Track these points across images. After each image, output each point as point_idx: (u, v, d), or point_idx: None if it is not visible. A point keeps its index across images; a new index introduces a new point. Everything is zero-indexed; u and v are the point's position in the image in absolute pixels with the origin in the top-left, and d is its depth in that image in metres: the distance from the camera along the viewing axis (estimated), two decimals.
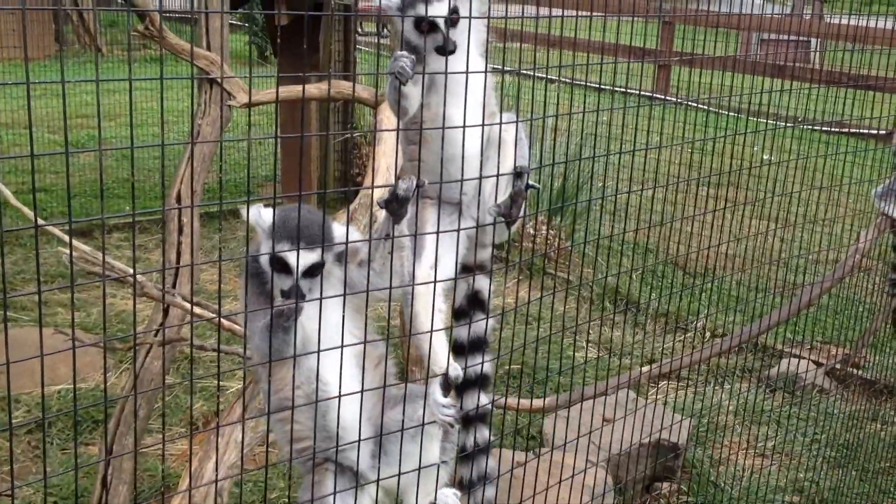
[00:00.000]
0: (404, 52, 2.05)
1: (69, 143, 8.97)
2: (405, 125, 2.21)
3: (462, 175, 2.12)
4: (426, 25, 2.11)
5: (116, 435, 3.44)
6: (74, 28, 13.60)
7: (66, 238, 3.01)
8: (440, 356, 2.17)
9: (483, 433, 2.47)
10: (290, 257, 1.96)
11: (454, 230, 2.17)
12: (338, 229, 2.08)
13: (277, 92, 4.11)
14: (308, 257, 1.98)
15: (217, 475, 2.75)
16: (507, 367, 4.84)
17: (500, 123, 2.21)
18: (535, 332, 5.19)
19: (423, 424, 2.11)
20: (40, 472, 3.86)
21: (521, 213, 2.20)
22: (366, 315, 2.13)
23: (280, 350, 1.96)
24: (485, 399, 2.44)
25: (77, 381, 4.43)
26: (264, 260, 2.01)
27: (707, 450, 4.29)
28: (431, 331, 2.09)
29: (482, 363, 2.36)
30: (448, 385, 2.16)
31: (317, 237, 2.00)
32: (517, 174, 2.15)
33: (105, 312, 1.72)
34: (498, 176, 2.12)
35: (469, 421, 2.45)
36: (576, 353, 5.17)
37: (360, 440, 2.04)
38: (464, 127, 1.99)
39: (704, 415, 4.54)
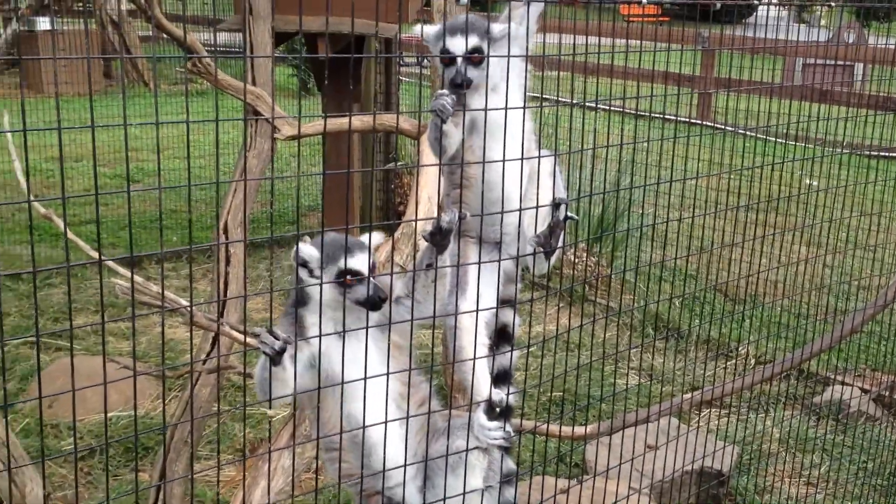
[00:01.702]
0: (445, 91, 2.12)
1: (119, 176, 9.18)
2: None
3: (502, 219, 2.17)
4: (446, 59, 2.19)
5: (166, 462, 3.52)
6: (122, 65, 13.91)
7: (120, 270, 3.10)
8: (483, 384, 2.23)
9: (507, 463, 2.50)
10: (358, 263, 2.03)
11: (495, 260, 2.22)
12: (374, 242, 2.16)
13: (325, 125, 4.20)
14: (368, 260, 2.06)
15: (268, 500, 2.81)
16: (550, 394, 4.87)
17: (539, 157, 2.26)
18: (576, 358, 5.21)
19: (466, 450, 2.15)
20: (93, 499, 3.94)
21: (560, 244, 2.25)
22: (410, 351, 2.18)
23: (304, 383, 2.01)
24: (509, 427, 2.48)
25: (127, 409, 4.53)
26: (327, 289, 2.05)
27: (752, 478, 4.27)
28: (475, 358, 2.14)
29: (507, 394, 2.40)
30: (492, 410, 2.22)
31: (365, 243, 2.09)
32: (556, 205, 2.20)
33: (164, 342, 1.79)
34: (538, 207, 2.17)
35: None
36: (618, 380, 5.18)
37: (404, 482, 2.10)
38: (503, 161, 2.04)
39: (749, 442, 4.51)
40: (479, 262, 2.17)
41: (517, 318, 2.53)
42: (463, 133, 2.23)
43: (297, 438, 3.06)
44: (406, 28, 8.70)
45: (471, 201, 2.25)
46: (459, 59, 2.17)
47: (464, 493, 2.15)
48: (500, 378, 2.52)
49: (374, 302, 2.05)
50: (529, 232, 2.28)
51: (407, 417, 2.11)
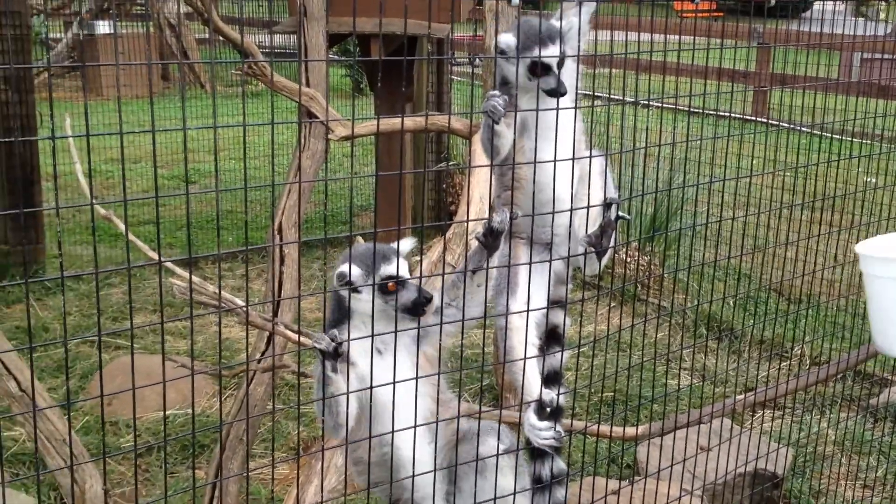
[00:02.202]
0: (496, 92, 2.14)
1: (177, 177, 9.35)
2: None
3: (553, 221, 2.18)
4: (540, 69, 2.19)
5: (222, 459, 3.59)
6: (179, 67, 14.15)
7: (177, 270, 3.17)
8: (534, 384, 2.25)
9: (558, 464, 2.51)
10: (398, 268, 2.07)
11: (546, 261, 2.23)
12: (405, 247, 2.19)
13: (378, 125, 4.25)
14: (404, 265, 2.10)
15: (321, 498, 2.85)
16: (601, 395, 4.85)
17: (590, 157, 2.26)
18: (628, 359, 5.19)
19: (497, 454, 2.17)
20: (150, 496, 4.03)
21: (612, 244, 2.25)
22: (439, 365, 2.19)
23: (333, 404, 2.01)
24: (559, 429, 2.48)
25: (184, 407, 4.62)
26: (365, 299, 2.07)
27: (807, 480, 4.22)
28: (525, 358, 2.16)
29: (558, 394, 2.41)
30: (543, 410, 2.24)
31: (395, 250, 2.13)
32: (607, 205, 2.21)
33: (220, 342, 1.83)
34: (588, 207, 2.18)
35: (543, 452, 2.50)
36: (671, 381, 5.15)
37: (434, 496, 2.12)
38: (554, 161, 2.05)
39: (804, 444, 4.46)
40: (531, 263, 2.18)
41: (567, 319, 2.54)
42: (514, 134, 2.24)
43: (347, 434, 3.10)
44: (458, 28, 8.73)
45: (521, 202, 2.26)
46: (555, 66, 2.19)
47: (494, 498, 2.16)
48: (551, 379, 2.53)
49: (419, 303, 2.07)
50: (581, 232, 2.29)
51: (435, 439, 2.12)
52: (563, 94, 2.19)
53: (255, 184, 8.37)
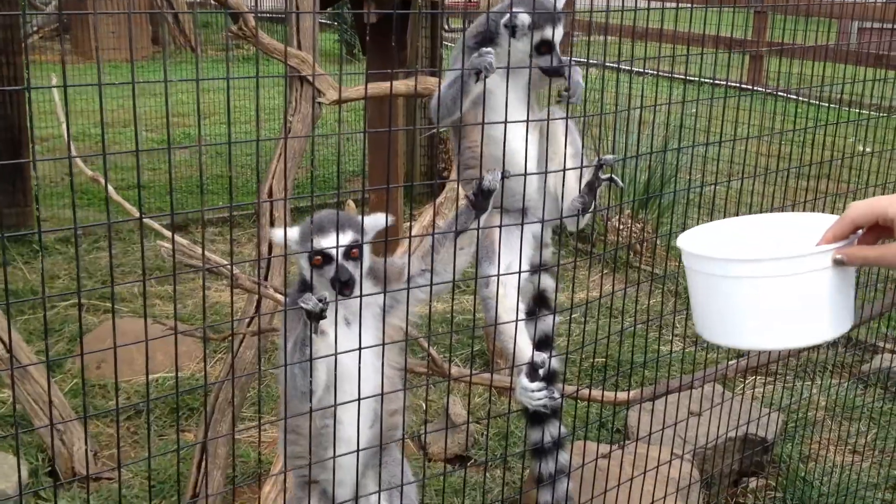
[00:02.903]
0: (489, 49, 2.10)
1: (166, 141, 9.27)
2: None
3: (525, 183, 2.14)
4: (546, 47, 2.19)
5: (211, 422, 3.58)
6: (170, 29, 14.01)
7: (165, 232, 3.13)
8: (524, 348, 2.24)
9: (554, 429, 2.50)
10: (327, 242, 2.00)
11: (521, 224, 2.20)
12: (371, 222, 2.13)
13: (366, 89, 4.19)
14: (345, 238, 2.01)
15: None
16: (592, 360, 4.85)
17: (531, 121, 2.22)
18: (619, 324, 5.18)
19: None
20: (138, 457, 4.02)
21: (595, 202, 2.23)
22: (406, 355, 2.16)
23: (303, 375, 1.97)
24: (554, 393, 2.47)
25: (174, 370, 4.60)
26: (305, 267, 2.04)
27: (797, 445, 4.22)
28: (517, 321, 2.14)
29: (549, 357, 2.39)
30: (535, 371, 2.23)
31: (353, 221, 2.07)
32: (599, 165, 2.18)
33: (205, 304, 1.80)
34: (581, 168, 2.15)
35: (540, 417, 2.49)
36: (662, 347, 5.14)
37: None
38: (504, 122, 2.03)
39: (795, 410, 4.46)
40: (523, 223, 2.15)
41: (553, 283, 2.52)
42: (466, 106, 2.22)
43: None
44: None
45: (487, 164, 2.23)
46: (557, 48, 2.18)
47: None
48: (542, 344, 2.52)
49: (334, 280, 2.00)
50: (557, 192, 2.27)
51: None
52: (561, 75, 2.20)
53: (244, 148, 8.31)
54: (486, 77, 2.07)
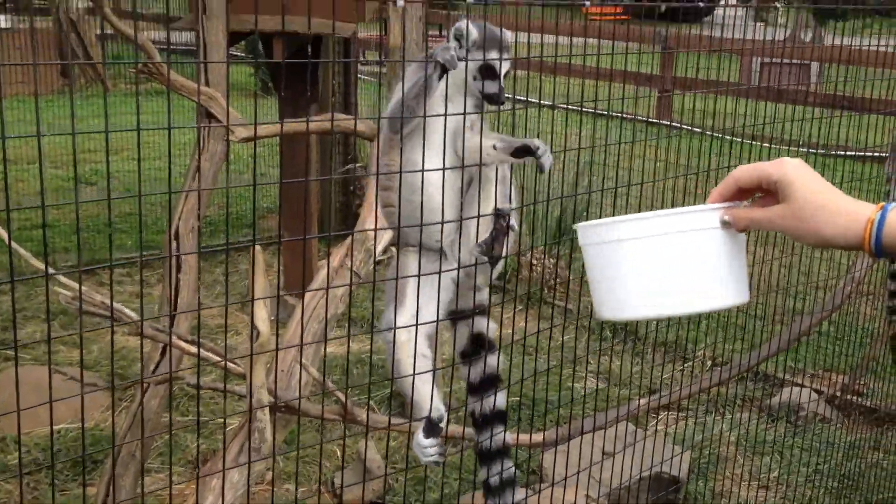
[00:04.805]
0: (451, 44, 2.06)
1: (73, 179, 9.03)
2: (387, 161, 2.20)
3: (442, 220, 2.11)
4: (489, 72, 2.14)
5: (114, 476, 3.45)
6: (78, 64, 13.72)
7: (68, 282, 3.02)
8: (424, 400, 2.20)
9: (507, 468, 2.46)
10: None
11: (435, 273, 2.17)
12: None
13: (282, 127, 4.15)
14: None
15: None
16: (507, 400, 4.84)
17: (461, 168, 2.18)
18: (534, 363, 5.19)
19: None
20: None
21: (504, 253, 2.21)
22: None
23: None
24: (502, 434, 2.44)
25: (76, 421, 4.44)
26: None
27: (708, 482, 4.28)
28: (414, 376, 2.11)
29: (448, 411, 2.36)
30: (432, 426, 2.20)
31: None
32: (497, 214, 2.16)
33: (113, 357, 1.73)
34: (479, 217, 2.13)
35: (490, 456, 2.45)
36: (576, 384, 5.17)
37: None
38: (422, 171, 2.00)
39: (706, 445, 4.52)
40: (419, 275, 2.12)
41: (494, 324, 2.47)
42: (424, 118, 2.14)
43: (250, 450, 3.00)
44: (365, 27, 8.65)
45: (407, 210, 2.19)
46: (501, 75, 2.15)
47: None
48: (487, 384, 2.47)
49: (495, 97, 2.13)
50: (474, 240, 2.24)
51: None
52: (502, 103, 2.15)
53: (155, 185, 8.15)
54: (450, 70, 2.04)
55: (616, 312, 1.67)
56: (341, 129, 5.34)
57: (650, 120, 9.20)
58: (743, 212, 1.54)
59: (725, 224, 1.54)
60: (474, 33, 2.13)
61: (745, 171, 1.53)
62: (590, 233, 1.68)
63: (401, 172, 2.10)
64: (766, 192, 1.53)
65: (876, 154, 5.29)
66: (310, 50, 6.21)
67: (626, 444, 3.79)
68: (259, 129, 4.11)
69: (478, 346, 2.44)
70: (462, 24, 2.14)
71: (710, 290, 1.60)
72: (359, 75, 8.80)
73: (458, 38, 2.14)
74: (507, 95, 2.18)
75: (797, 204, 1.45)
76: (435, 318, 2.19)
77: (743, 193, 1.56)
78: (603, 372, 5.35)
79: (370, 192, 3.60)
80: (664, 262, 1.58)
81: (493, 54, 2.13)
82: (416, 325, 2.13)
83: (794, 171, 1.46)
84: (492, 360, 2.43)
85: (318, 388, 3.10)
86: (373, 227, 3.43)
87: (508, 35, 2.20)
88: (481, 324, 2.44)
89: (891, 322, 4.44)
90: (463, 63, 2.09)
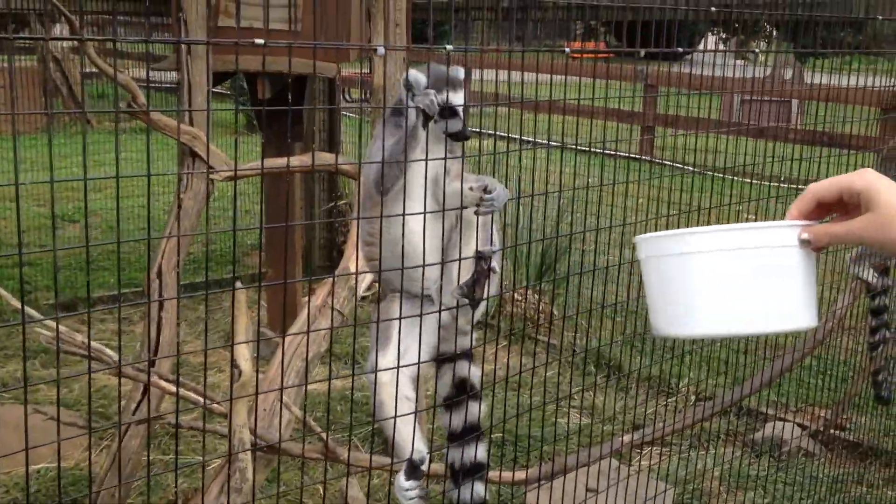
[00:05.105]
0: (431, 91, 2.08)
1: (56, 216, 9.01)
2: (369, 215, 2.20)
3: (423, 270, 2.12)
4: (448, 112, 2.14)
5: None
6: (64, 101, 13.74)
7: (44, 322, 3.00)
8: (406, 442, 2.20)
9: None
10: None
11: (416, 315, 2.16)
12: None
13: (263, 167, 4.15)
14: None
15: None
16: (490, 436, 4.82)
17: (443, 211, 2.18)
18: (519, 398, 5.18)
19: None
20: None
21: (485, 295, 2.21)
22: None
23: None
24: (480, 487, 2.42)
25: (56, 460, 4.39)
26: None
27: None
28: (395, 418, 2.11)
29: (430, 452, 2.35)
30: (413, 469, 2.19)
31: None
32: (479, 257, 2.17)
33: (90, 399, 1.72)
34: (460, 259, 2.14)
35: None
36: (560, 420, 5.15)
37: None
38: (424, 213, 2.01)
39: (690, 481, 4.51)
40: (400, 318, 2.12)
41: (477, 370, 2.45)
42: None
43: (229, 491, 2.97)
44: (349, 65, 8.70)
45: (386, 255, 2.20)
46: (461, 110, 2.15)
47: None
48: (467, 432, 2.45)
49: (460, 136, 2.17)
50: (456, 283, 2.24)
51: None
52: (467, 138, 2.16)
53: (138, 223, 8.13)
54: (432, 117, 2.05)
55: (679, 328, 1.60)
56: (323, 168, 5.36)
57: (632, 156, 9.28)
58: (823, 227, 1.48)
59: (804, 242, 1.49)
60: (422, 79, 2.14)
61: (825, 185, 1.48)
62: (653, 245, 1.61)
63: (381, 217, 2.10)
64: (844, 210, 1.48)
65: None
66: (290, 92, 6.25)
67: (611, 481, 3.78)
68: (241, 168, 4.14)
69: (461, 391, 2.43)
70: (411, 73, 2.16)
71: (784, 311, 1.53)
72: (343, 112, 8.83)
73: (408, 88, 2.15)
74: (470, 129, 2.20)
75: (882, 211, 1.40)
76: (418, 361, 2.18)
77: (821, 210, 1.50)
78: (587, 407, 5.34)
79: (353, 228, 3.62)
80: (737, 279, 1.52)
81: (444, 93, 2.15)
82: (398, 367, 2.13)
83: (878, 180, 1.43)
84: (474, 407, 2.42)
85: (301, 426, 3.08)
86: (355, 264, 3.44)
87: (459, 71, 2.21)
88: (466, 368, 2.43)
89: (872, 357, 4.46)
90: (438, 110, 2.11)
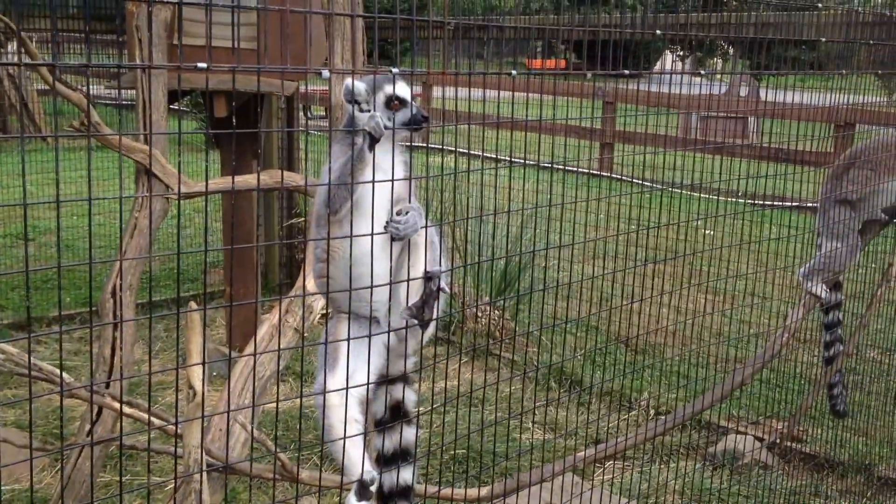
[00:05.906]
0: (376, 113, 2.08)
1: (11, 235, 8.89)
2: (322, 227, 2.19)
3: (371, 291, 2.12)
4: (396, 103, 2.15)
5: None
6: (19, 118, 13.56)
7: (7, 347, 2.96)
8: (355, 463, 2.18)
9: None
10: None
11: (365, 336, 2.16)
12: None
13: (206, 186, 4.12)
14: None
15: None
16: (453, 452, 4.81)
17: (427, 227, 2.21)
18: (480, 415, 5.18)
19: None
20: None
21: (435, 316, 2.21)
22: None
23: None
24: None
25: (10, 483, 4.31)
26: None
27: None
28: (345, 438, 2.10)
29: (394, 472, 2.35)
30: (363, 489, 2.18)
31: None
32: (427, 278, 2.17)
33: (31, 424, 1.69)
34: (409, 280, 2.14)
35: None
36: (521, 435, 5.16)
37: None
38: (371, 234, 2.01)
39: (650, 494, 4.53)
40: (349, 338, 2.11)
41: (413, 395, 2.45)
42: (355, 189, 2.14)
43: None
44: (311, 81, 8.69)
45: (336, 275, 2.20)
46: (409, 99, 2.17)
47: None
48: (401, 456, 2.44)
49: (418, 121, 2.20)
50: (405, 305, 2.24)
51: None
52: (421, 123, 2.18)
53: (96, 241, 8.04)
54: (378, 139, 2.05)
55: None
56: (278, 185, 5.34)
57: (592, 172, 9.34)
58: None
59: None
60: (361, 86, 2.16)
61: None
62: None
63: (328, 238, 2.11)
64: None
65: (808, 205, 5.42)
66: (235, 114, 6.22)
67: (572, 496, 3.78)
68: (195, 185, 4.11)
69: (396, 415, 2.42)
70: (347, 83, 2.17)
71: None
72: (307, 130, 8.81)
73: (350, 100, 2.17)
74: (424, 114, 2.21)
75: None
76: (366, 383, 2.17)
77: None
78: (548, 423, 5.35)
79: (311, 248, 3.60)
80: None
81: (388, 88, 2.17)
82: (347, 388, 2.12)
83: None
84: (408, 432, 2.41)
85: (258, 445, 3.06)
86: (312, 284, 3.43)
87: (395, 70, 2.23)
88: (400, 391, 2.41)
89: (826, 372, 4.52)
90: (367, 112, 2.13)
